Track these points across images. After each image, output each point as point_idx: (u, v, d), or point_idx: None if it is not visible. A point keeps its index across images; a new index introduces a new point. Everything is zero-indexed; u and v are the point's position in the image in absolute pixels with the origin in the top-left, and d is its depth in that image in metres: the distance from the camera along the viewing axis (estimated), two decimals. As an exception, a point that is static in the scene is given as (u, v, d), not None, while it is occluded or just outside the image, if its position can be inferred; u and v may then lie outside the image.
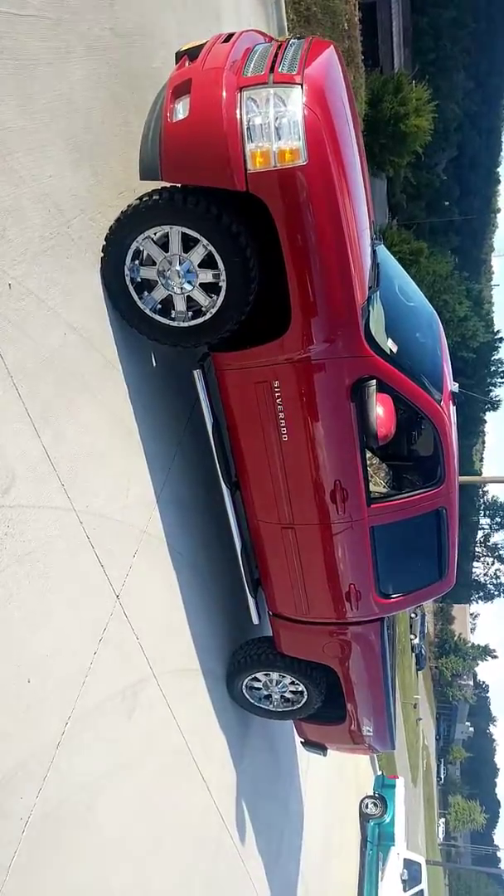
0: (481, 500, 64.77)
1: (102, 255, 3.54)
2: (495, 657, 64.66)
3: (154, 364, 4.28)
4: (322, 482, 4.21)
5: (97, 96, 3.60)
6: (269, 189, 3.22)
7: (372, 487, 4.55)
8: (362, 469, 4.18)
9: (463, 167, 49.78)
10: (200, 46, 3.54)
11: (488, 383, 55.17)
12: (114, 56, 3.79)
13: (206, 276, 3.54)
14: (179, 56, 3.63)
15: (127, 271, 3.57)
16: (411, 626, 39.04)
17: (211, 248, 3.42)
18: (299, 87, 3.19)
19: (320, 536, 4.48)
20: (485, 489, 66.60)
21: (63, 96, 3.24)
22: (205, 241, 3.42)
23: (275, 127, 3.17)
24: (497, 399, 58.13)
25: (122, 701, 3.72)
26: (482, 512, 65.27)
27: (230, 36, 3.63)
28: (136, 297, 3.65)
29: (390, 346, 3.93)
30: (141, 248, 3.53)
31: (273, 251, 3.45)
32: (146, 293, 3.67)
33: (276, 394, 3.91)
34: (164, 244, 3.54)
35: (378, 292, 4.09)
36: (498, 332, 56.22)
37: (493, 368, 55.71)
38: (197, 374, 4.05)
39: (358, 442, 4.06)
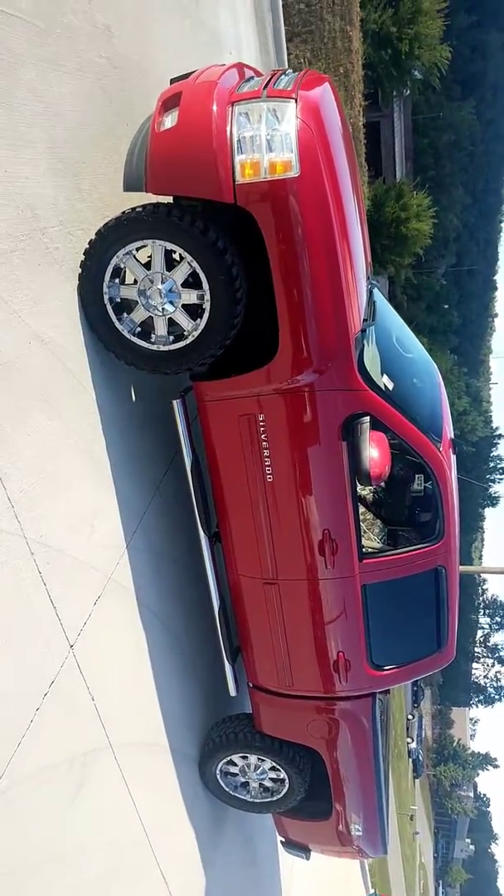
0: (481, 599, 63.30)
1: (80, 270, 3.33)
2: (497, 766, 61.13)
3: (133, 398, 4.00)
4: (309, 531, 3.84)
5: (87, 118, 3.49)
6: (258, 201, 3.03)
7: (365, 543, 4.17)
8: (354, 518, 3.81)
9: (461, 274, 51.84)
10: (194, 72, 3.47)
11: (487, 479, 55.22)
12: (108, 84, 3.72)
13: (190, 296, 3.31)
14: (173, 82, 3.55)
15: (106, 289, 3.34)
16: (408, 729, 37.08)
17: (195, 265, 3.21)
18: (293, 101, 3.06)
19: (306, 594, 4.05)
20: (484, 587, 65.24)
21: (46, 104, 3.11)
22: (189, 258, 3.21)
23: (266, 140, 3.02)
24: (496, 495, 58.00)
25: (68, 771, 3.19)
26: (481, 611, 63.62)
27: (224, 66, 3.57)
28: (114, 317, 3.41)
29: (385, 382, 3.66)
30: (121, 265, 3.32)
31: (261, 272, 3.24)
32: (125, 314, 3.43)
33: (262, 429, 3.60)
34: (146, 263, 3.34)
35: (373, 329, 3.86)
36: (497, 428, 56.85)
37: (492, 465, 55.90)
38: (176, 404, 3.75)
39: (350, 487, 3.71)
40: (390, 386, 3.68)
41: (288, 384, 3.44)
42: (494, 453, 54.78)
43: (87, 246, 3.29)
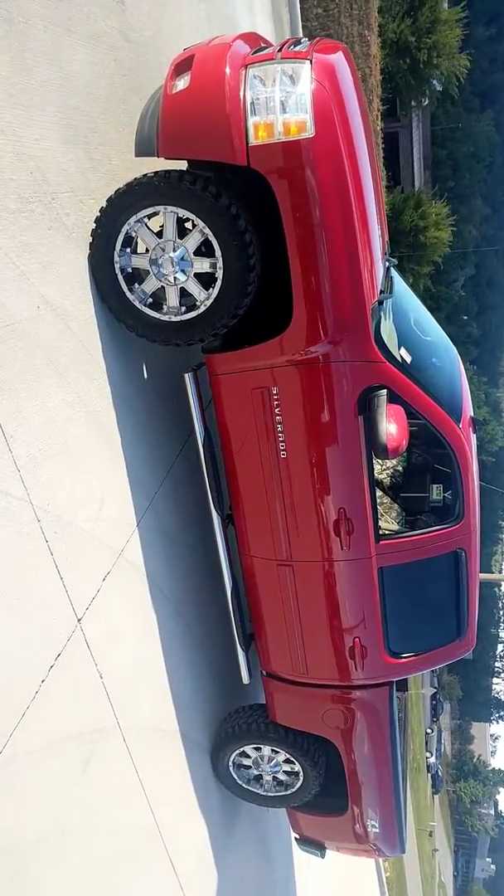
0: (500, 613, 62.32)
1: (91, 238, 3.28)
2: (518, 784, 59.95)
3: (146, 375, 3.94)
4: (324, 510, 3.74)
5: (100, 89, 3.46)
6: (271, 163, 2.97)
7: (382, 525, 4.06)
8: (371, 497, 3.70)
9: (480, 285, 51.69)
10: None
11: (507, 490, 54.53)
12: (122, 57, 3.69)
13: (202, 264, 3.25)
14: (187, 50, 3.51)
15: (117, 258, 3.28)
16: (427, 743, 36.52)
17: (207, 231, 3.15)
18: (308, 63, 3.00)
19: (321, 577, 3.94)
20: (504, 600, 64.21)
21: (59, 68, 3.08)
22: (201, 225, 3.15)
23: (280, 101, 2.96)
24: (517, 506, 57.19)
25: (74, 748, 3.11)
26: (502, 624, 62.63)
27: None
28: (125, 287, 3.35)
29: (403, 354, 3.57)
30: (133, 234, 3.27)
31: (275, 240, 3.17)
32: (136, 284, 3.38)
33: (275, 402, 3.52)
34: (158, 232, 3.29)
35: (391, 304, 3.77)
36: (519, 438, 56.14)
37: (512, 475, 55.17)
38: (188, 377, 3.68)
39: (367, 464, 3.61)
40: (408, 359, 3.59)
41: (302, 355, 3.36)
42: (515, 464, 54.06)
43: (98, 214, 3.24)
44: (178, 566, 4.31)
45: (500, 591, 61.39)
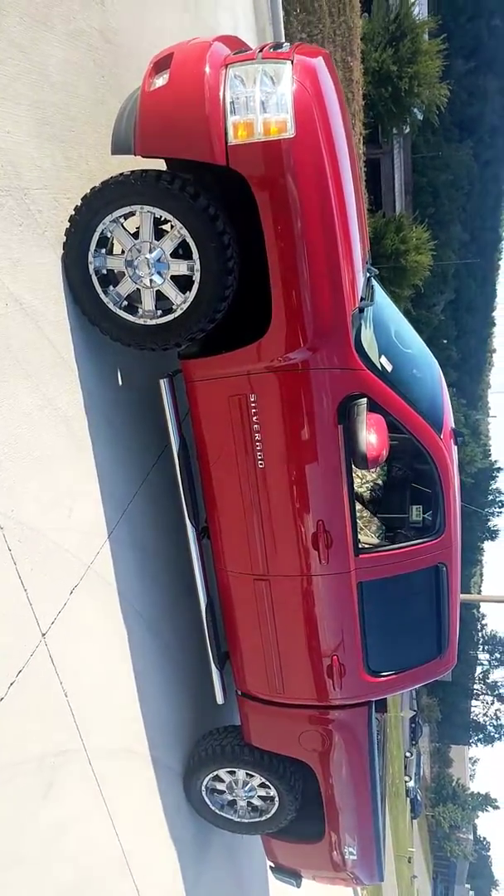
0: (479, 634, 62.42)
1: (65, 238, 3.18)
2: (497, 808, 59.43)
3: (121, 383, 3.82)
4: (302, 522, 3.63)
5: (78, 88, 3.38)
6: (251, 163, 2.90)
7: (362, 539, 3.96)
8: (350, 509, 3.60)
9: (460, 310, 52.56)
10: None
11: (487, 513, 54.92)
12: (101, 58, 3.62)
13: (179, 267, 3.16)
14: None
15: (91, 258, 3.18)
16: (406, 767, 36.16)
17: (185, 232, 3.06)
18: (289, 63, 2.95)
19: (299, 592, 3.82)
20: (483, 622, 64.37)
21: (34, 63, 2.99)
22: (178, 225, 3.06)
23: (261, 101, 2.90)
24: (496, 528, 57.64)
25: (36, 770, 2.93)
26: (481, 647, 62.70)
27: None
28: (100, 290, 3.25)
29: (384, 363, 3.49)
30: (108, 234, 3.17)
31: (254, 243, 3.09)
32: (111, 287, 3.28)
33: (253, 410, 3.42)
34: (135, 233, 3.20)
35: (371, 313, 3.70)
36: (496, 461, 56.73)
37: (491, 497, 55.65)
38: (163, 383, 3.57)
39: (346, 475, 3.52)
40: (389, 368, 3.51)
41: (280, 361, 3.27)
42: (493, 486, 54.58)
43: (73, 212, 3.14)
44: (152, 581, 4.16)
45: (478, 612, 61.52)
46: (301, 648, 3.98)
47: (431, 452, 3.62)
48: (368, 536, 4.19)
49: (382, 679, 4.10)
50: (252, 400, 3.39)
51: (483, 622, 63.67)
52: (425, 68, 20.34)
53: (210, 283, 3.12)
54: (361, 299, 3.43)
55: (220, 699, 4.36)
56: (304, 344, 3.20)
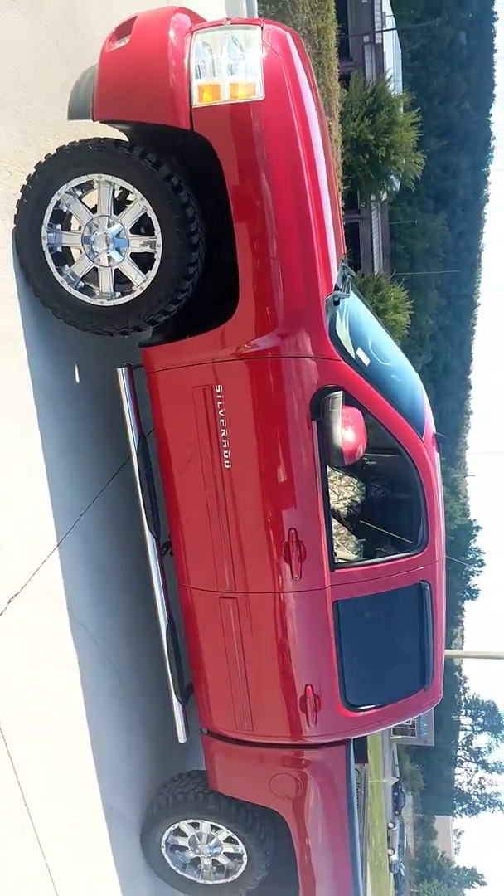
0: (462, 698, 60.92)
1: (17, 210, 2.94)
2: (484, 883, 56.66)
3: (77, 380, 3.53)
4: (273, 531, 3.29)
5: (40, 67, 3.20)
6: (216, 127, 2.70)
7: (339, 555, 3.63)
8: (325, 517, 3.28)
9: (437, 372, 53.58)
10: None
11: (467, 572, 54.43)
12: (66, 42, 3.46)
13: (139, 243, 2.92)
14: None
15: (45, 233, 2.93)
16: (389, 839, 34.45)
17: (146, 203, 2.83)
18: (259, 28, 2.79)
19: (269, 611, 3.45)
20: (466, 685, 62.93)
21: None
22: (139, 196, 2.83)
23: (228, 65, 2.72)
24: (476, 587, 57.04)
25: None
26: (463, 711, 61.11)
27: None
28: (53, 268, 2.99)
29: (360, 356, 3.24)
30: (64, 208, 2.93)
31: (223, 222, 2.87)
32: (66, 267, 3.02)
33: (218, 403, 3.12)
34: (93, 209, 2.97)
35: (347, 307, 3.47)
36: (475, 520, 56.68)
37: (470, 556, 55.30)
38: (121, 372, 3.28)
39: (321, 478, 3.21)
40: (366, 362, 3.26)
41: (248, 348, 3.00)
42: (473, 545, 54.28)
43: (25, 182, 2.91)
44: (109, 601, 3.76)
45: (460, 675, 60.18)
46: (271, 677, 3.58)
47: (412, 455, 3.34)
48: (345, 552, 3.85)
49: (361, 714, 3.69)
50: (217, 391, 3.10)
51: (465, 685, 62.28)
52: (401, 138, 21.08)
53: (172, 260, 2.88)
54: (336, 288, 3.19)
55: (181, 737, 3.91)
56: (274, 328, 2.95)
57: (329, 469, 3.29)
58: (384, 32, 28.30)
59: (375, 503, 4.43)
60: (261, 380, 3.06)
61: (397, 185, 24.93)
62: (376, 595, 3.50)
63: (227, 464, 3.21)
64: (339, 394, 3.06)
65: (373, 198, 24.92)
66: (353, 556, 3.82)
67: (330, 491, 3.85)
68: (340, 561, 3.51)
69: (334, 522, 3.93)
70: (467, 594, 55.46)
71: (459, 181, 53.52)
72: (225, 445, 3.18)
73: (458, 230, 54.22)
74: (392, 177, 23.15)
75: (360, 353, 3.24)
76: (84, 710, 3.49)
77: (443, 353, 54.72)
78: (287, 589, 3.38)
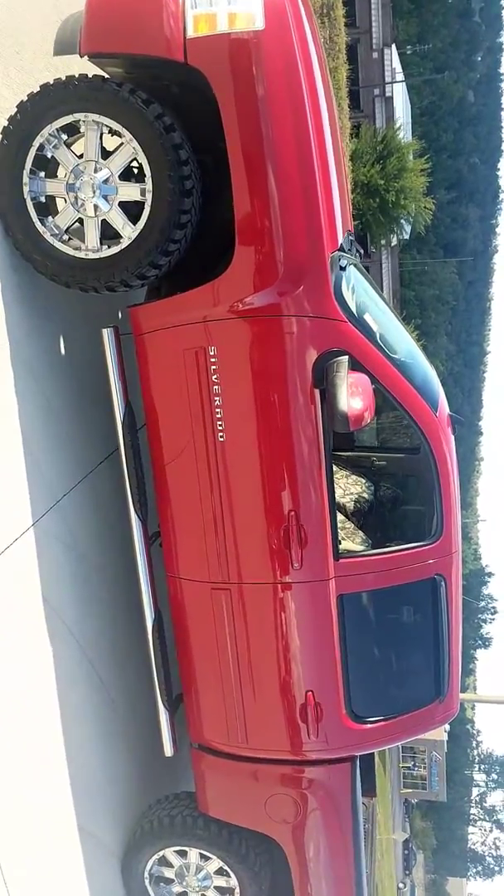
0: (474, 752, 58.77)
1: (-3, 155, 2.73)
2: None
3: (63, 351, 3.29)
4: (270, 513, 2.98)
5: (35, 24, 3.06)
6: (212, 58, 2.51)
7: (345, 546, 3.31)
8: (329, 497, 2.97)
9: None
10: None
11: (479, 619, 53.17)
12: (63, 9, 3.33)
13: (129, 191, 2.71)
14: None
15: (27, 179, 2.73)
16: (399, 901, 32.68)
17: (135, 145, 2.63)
18: None
19: (265, 605, 3.11)
20: (479, 739, 60.81)
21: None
22: (128, 136, 2.63)
23: (226, -1, 2.54)
24: (489, 636, 55.67)
25: None
26: (476, 766, 58.86)
27: None
28: (36, 218, 2.78)
29: (368, 321, 2.98)
30: (48, 153, 2.73)
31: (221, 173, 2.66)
32: (50, 218, 2.81)
33: (212, 367, 2.86)
34: (79, 156, 2.76)
35: (353, 276, 3.22)
36: (487, 566, 55.69)
37: (482, 603, 54.14)
38: (107, 333, 3.02)
39: (324, 453, 2.92)
40: (374, 328, 3.00)
41: (245, 305, 2.75)
42: (486, 591, 53.20)
43: (7, 123, 2.71)
44: (90, 594, 3.44)
45: (473, 729, 58.16)
46: (267, 681, 3.22)
47: (425, 430, 3.04)
48: (352, 545, 3.52)
49: (368, 726, 3.31)
50: (212, 354, 2.84)
51: (478, 739, 60.20)
52: (411, 183, 21.38)
53: (164, 206, 2.66)
54: (340, 248, 2.95)
55: (168, 750, 3.52)
56: (273, 282, 2.70)
57: (336, 465, 2.99)
58: (394, 85, 29.00)
59: (385, 502, 4.10)
60: (259, 341, 2.80)
61: (408, 230, 25.17)
62: (385, 589, 3.17)
63: (221, 436, 2.92)
64: (345, 358, 2.79)
65: (383, 242, 25.17)
66: (359, 548, 3.49)
67: (336, 486, 3.57)
68: (347, 551, 3.19)
69: (340, 517, 3.62)
70: (479, 642, 54.03)
71: (469, 232, 54.40)
72: (219, 415, 2.90)
73: (467, 279, 54.91)
74: (402, 221, 23.40)
75: (367, 318, 2.98)
76: (58, 718, 3.14)
77: (453, 400, 54.51)
78: (286, 579, 3.05)
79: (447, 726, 29.32)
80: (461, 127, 51.66)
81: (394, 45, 29.28)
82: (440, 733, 28.08)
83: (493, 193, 62.65)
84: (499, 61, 57.85)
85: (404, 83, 32.53)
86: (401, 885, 31.99)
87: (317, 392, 2.84)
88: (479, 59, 53.55)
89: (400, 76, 30.64)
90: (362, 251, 3.87)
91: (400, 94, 30.38)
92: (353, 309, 2.90)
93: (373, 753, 3.97)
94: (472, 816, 55.71)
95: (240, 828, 3.55)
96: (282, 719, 3.26)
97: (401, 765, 30.56)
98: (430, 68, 43.33)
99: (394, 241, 26.60)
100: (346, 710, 3.24)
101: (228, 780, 3.50)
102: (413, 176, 21.58)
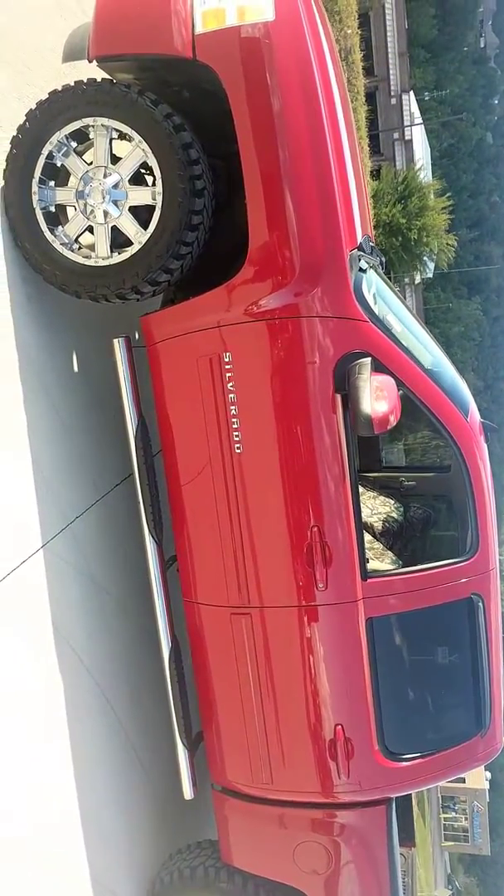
0: None
1: (5, 164, 2.68)
2: None
3: (76, 369, 3.18)
4: (292, 530, 2.79)
5: (45, 35, 3.05)
6: (221, 53, 2.44)
7: (373, 566, 3.09)
8: (354, 511, 2.78)
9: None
10: None
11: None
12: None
13: (139, 195, 2.63)
14: None
15: (36, 188, 2.66)
16: None
17: (145, 146, 2.55)
18: None
19: (288, 630, 2.89)
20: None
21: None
22: (137, 139, 2.56)
23: (234, -8, 2.48)
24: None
25: None
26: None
27: None
28: (45, 228, 2.70)
29: (391, 321, 2.82)
30: (57, 160, 2.67)
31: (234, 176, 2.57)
32: (60, 227, 2.73)
33: (227, 375, 2.71)
34: (89, 163, 2.70)
35: (375, 281, 3.08)
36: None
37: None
38: (118, 343, 2.90)
39: (349, 464, 2.73)
40: (398, 329, 2.84)
41: (260, 307, 2.61)
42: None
43: (15, 133, 2.66)
44: (103, 621, 3.26)
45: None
46: (293, 715, 2.98)
47: (456, 438, 2.84)
48: (380, 565, 3.29)
49: (404, 764, 3.03)
50: (226, 361, 2.70)
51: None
52: (433, 221, 21.53)
53: (175, 207, 2.56)
54: (360, 248, 2.82)
55: (188, 793, 3.26)
56: (289, 282, 2.57)
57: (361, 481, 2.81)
58: (413, 128, 29.45)
59: (415, 522, 3.88)
60: (274, 345, 2.65)
61: (431, 267, 25.24)
62: (418, 611, 2.93)
63: (238, 448, 2.76)
64: (368, 360, 2.63)
65: (406, 280, 25.24)
66: (389, 569, 3.26)
67: (363, 506, 3.38)
68: (375, 570, 2.98)
69: (368, 537, 3.41)
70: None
71: (492, 269, 54.53)
72: (235, 426, 2.74)
73: (493, 315, 54.85)
74: (426, 258, 23.48)
75: (390, 318, 2.83)
76: (70, 759, 2.92)
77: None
78: (310, 602, 2.84)
79: (488, 773, 27.95)
80: (481, 167, 52.28)
81: (412, 91, 29.87)
82: (481, 780, 26.77)
83: (515, 231, 62.99)
84: (516, 104, 58.80)
85: (423, 125, 33.06)
86: None
87: (338, 397, 2.67)
88: (496, 101, 54.43)
89: (419, 120, 31.18)
90: (384, 259, 3.74)
91: (419, 137, 30.84)
92: (375, 309, 2.75)
93: (409, 797, 3.66)
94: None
95: (266, 880, 3.26)
96: (309, 757, 3.00)
97: (441, 815, 29.17)
98: (447, 112, 44.15)
99: (417, 279, 26.67)
100: (378, 746, 2.98)
101: (253, 827, 3.23)
102: (434, 214, 21.73)
